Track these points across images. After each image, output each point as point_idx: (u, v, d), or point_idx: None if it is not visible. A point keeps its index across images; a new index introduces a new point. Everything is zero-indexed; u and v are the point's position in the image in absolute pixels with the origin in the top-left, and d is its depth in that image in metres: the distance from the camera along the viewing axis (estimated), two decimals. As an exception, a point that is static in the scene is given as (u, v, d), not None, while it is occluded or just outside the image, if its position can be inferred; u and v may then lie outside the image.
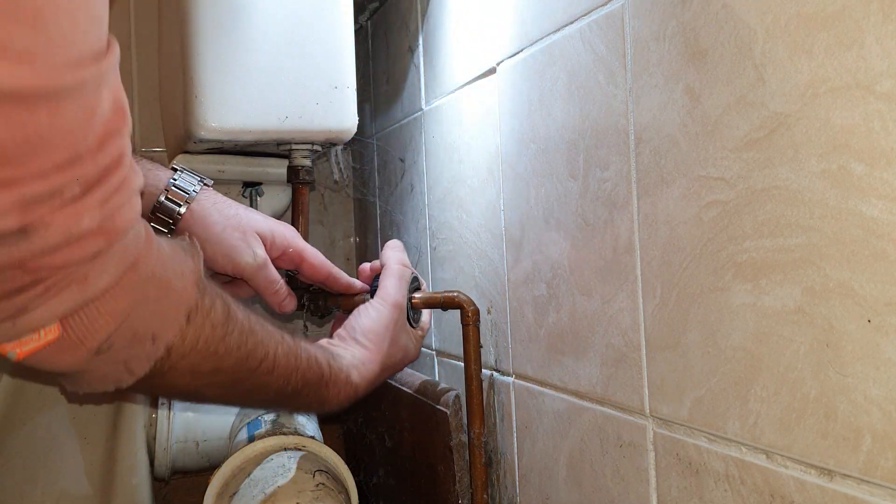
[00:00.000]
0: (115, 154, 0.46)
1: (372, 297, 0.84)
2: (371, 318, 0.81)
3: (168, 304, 0.53)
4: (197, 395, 0.69)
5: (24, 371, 0.49)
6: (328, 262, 0.87)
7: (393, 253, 0.86)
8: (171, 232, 0.80)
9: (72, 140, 0.42)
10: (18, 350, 0.47)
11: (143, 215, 0.50)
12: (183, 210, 0.80)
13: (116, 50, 0.46)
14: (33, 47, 0.39)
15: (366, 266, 0.90)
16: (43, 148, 0.41)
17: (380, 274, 0.85)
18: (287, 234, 0.85)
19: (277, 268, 0.85)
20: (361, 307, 0.83)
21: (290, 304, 0.87)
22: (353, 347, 0.79)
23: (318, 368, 0.71)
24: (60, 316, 0.46)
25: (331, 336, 0.87)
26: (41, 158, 0.41)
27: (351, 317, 0.82)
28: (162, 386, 0.58)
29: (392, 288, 0.82)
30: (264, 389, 0.67)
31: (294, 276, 0.89)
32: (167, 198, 0.79)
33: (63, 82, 0.40)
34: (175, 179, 0.81)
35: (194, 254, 0.57)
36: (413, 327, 0.86)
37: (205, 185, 0.83)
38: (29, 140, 0.40)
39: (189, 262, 0.56)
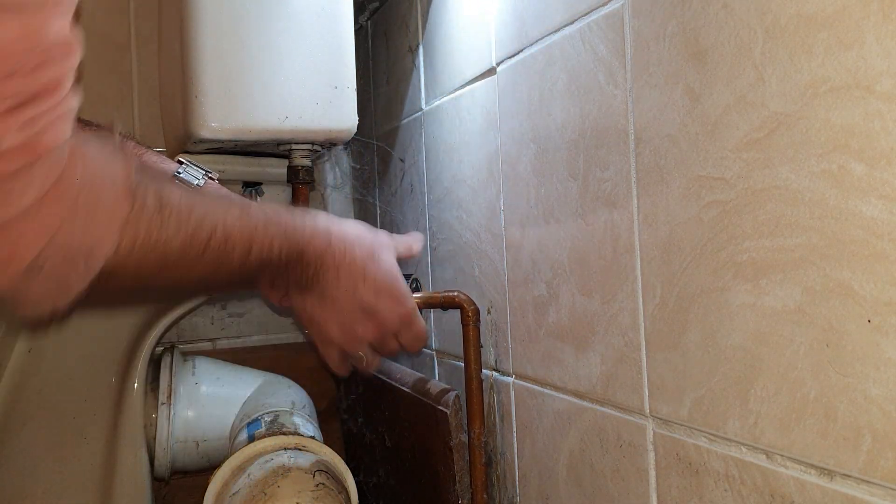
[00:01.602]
0: (51, 79, 0.45)
1: None
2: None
3: (99, 214, 0.51)
4: (150, 288, 0.66)
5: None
6: None
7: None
8: None
9: (6, 57, 0.42)
10: None
11: (78, 60, 0.50)
12: None
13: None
14: None
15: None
16: None
17: None
18: (292, 208, 0.84)
19: None
20: None
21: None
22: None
23: (280, 221, 0.67)
24: None
25: None
26: None
27: None
28: (108, 294, 0.56)
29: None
30: (225, 261, 0.63)
31: None
32: None
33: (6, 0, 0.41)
34: (179, 172, 0.81)
35: (125, 155, 0.55)
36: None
37: (210, 178, 0.83)
38: None
39: (119, 166, 0.53)
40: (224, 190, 0.82)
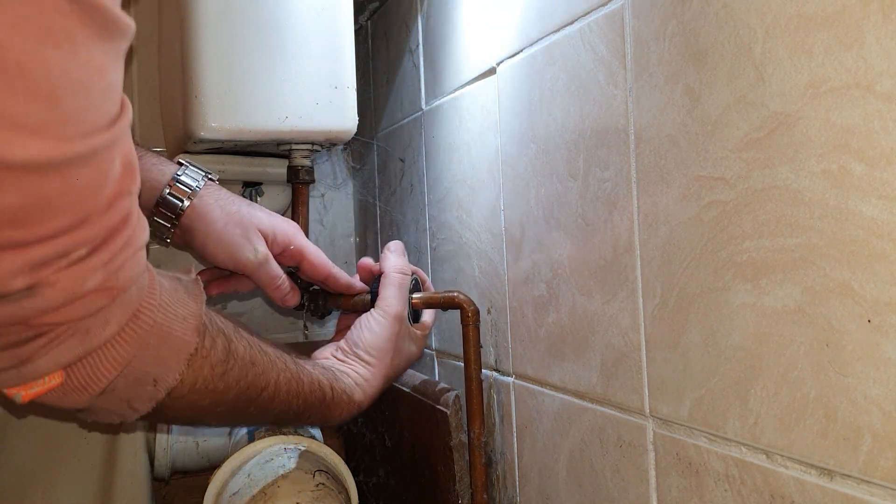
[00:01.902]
0: (122, 214, 0.47)
1: (372, 301, 0.84)
2: (374, 332, 0.80)
3: (168, 350, 0.54)
4: (199, 423, 0.75)
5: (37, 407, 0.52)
6: (329, 261, 0.87)
7: (392, 259, 0.85)
8: (173, 226, 0.80)
9: (82, 204, 0.43)
10: (24, 393, 0.48)
11: (146, 209, 0.51)
12: (186, 205, 0.80)
13: (129, 111, 0.46)
14: (47, 122, 0.39)
15: (365, 262, 0.89)
16: (53, 212, 0.42)
17: (380, 276, 0.85)
18: (289, 230, 0.85)
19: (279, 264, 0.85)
20: (363, 320, 0.82)
21: (293, 298, 0.87)
22: (356, 364, 0.80)
23: (320, 392, 0.72)
24: (63, 365, 0.48)
25: (336, 335, 0.88)
26: (51, 222, 0.42)
27: (353, 329, 0.82)
28: (164, 419, 0.61)
29: (392, 298, 0.82)
30: (266, 415, 0.69)
31: (294, 273, 0.89)
32: (170, 193, 0.80)
33: (75, 152, 0.41)
34: (179, 174, 0.81)
35: (196, 294, 0.58)
36: (412, 325, 0.86)
37: (210, 179, 0.83)
38: (39, 205, 0.41)
39: (191, 305, 0.57)
40: (230, 200, 0.84)
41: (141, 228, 0.50)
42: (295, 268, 0.88)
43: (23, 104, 0.38)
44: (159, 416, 0.59)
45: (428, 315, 0.90)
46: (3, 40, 0.37)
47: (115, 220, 0.46)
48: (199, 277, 0.60)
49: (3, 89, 0.37)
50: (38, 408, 0.51)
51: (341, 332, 0.91)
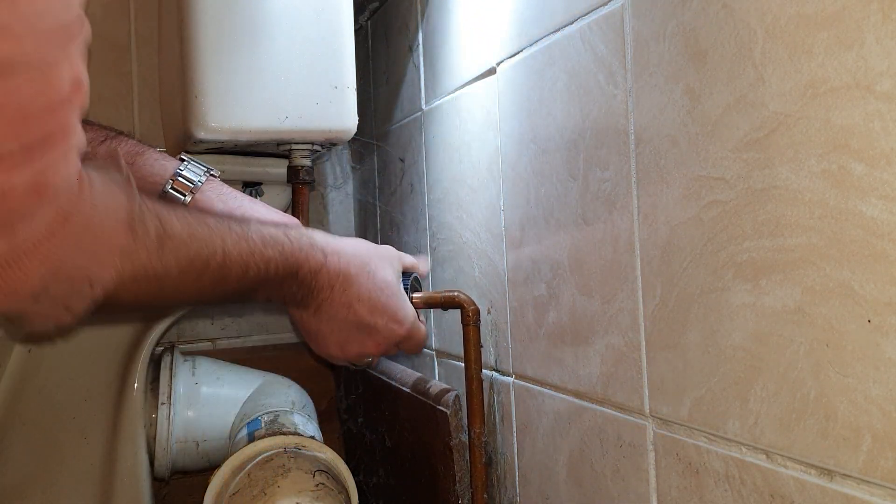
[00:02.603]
0: (62, 123, 0.47)
1: None
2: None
3: (101, 247, 0.53)
4: (148, 307, 0.72)
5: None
6: None
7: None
8: None
9: (22, 106, 0.44)
10: None
11: (86, 105, 0.51)
12: (188, 200, 0.80)
13: (86, 31, 0.47)
14: (8, 22, 0.40)
15: None
16: None
17: None
18: (290, 225, 0.85)
19: None
20: None
21: None
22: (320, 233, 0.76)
23: (276, 245, 0.69)
24: None
25: None
26: None
27: None
28: (108, 314, 0.59)
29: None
30: (226, 284, 0.66)
31: None
32: (172, 187, 0.80)
33: (25, 55, 0.42)
34: (181, 170, 0.81)
35: (128, 187, 0.57)
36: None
37: (211, 175, 0.83)
38: None
39: (121, 198, 0.55)
40: (232, 195, 0.83)
41: (79, 137, 0.49)
42: None
43: None
44: (101, 314, 0.58)
45: (423, 264, 0.87)
46: None
47: (52, 127, 0.46)
48: (130, 175, 0.58)
49: None
50: None
51: None
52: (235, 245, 0.65)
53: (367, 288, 0.75)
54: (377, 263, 0.77)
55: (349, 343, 0.76)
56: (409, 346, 0.80)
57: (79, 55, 0.47)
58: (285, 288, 0.71)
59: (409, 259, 0.84)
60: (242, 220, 0.68)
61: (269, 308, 1.31)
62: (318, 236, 0.73)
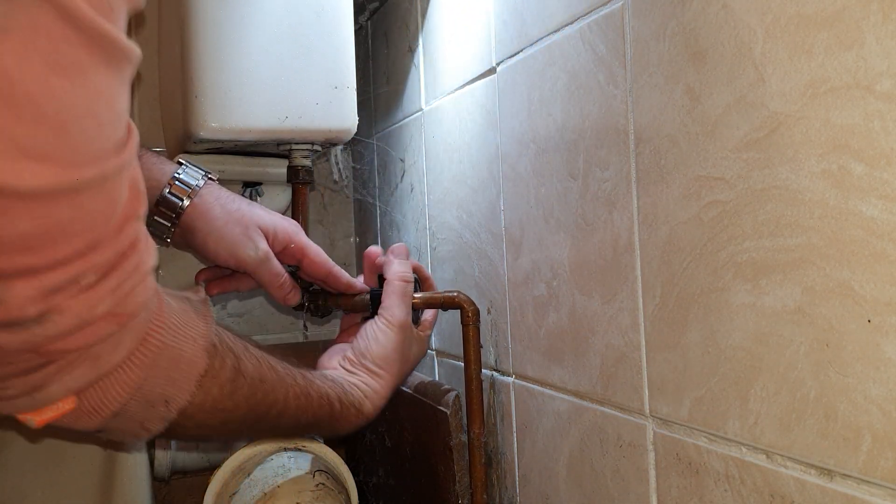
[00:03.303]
0: (131, 238, 0.47)
1: (374, 305, 0.84)
2: (380, 343, 0.80)
3: (179, 371, 0.55)
4: (209, 439, 0.78)
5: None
6: (329, 260, 0.87)
7: (395, 265, 0.85)
8: (173, 225, 0.80)
9: (92, 230, 0.44)
10: (37, 419, 0.49)
11: (146, 209, 0.51)
12: (186, 204, 0.80)
13: (136, 136, 0.47)
14: (57, 149, 0.40)
15: (372, 251, 0.88)
16: (63, 238, 0.42)
17: (383, 281, 0.85)
18: (289, 228, 0.85)
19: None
20: (369, 329, 0.81)
21: (294, 296, 0.87)
22: (365, 376, 0.80)
23: (329, 406, 0.73)
24: (75, 391, 0.48)
25: (339, 335, 0.88)
26: (61, 248, 0.42)
27: (359, 339, 0.82)
28: (175, 437, 0.64)
29: (396, 308, 0.81)
30: (275, 430, 0.71)
31: (295, 272, 0.89)
32: (170, 192, 0.80)
33: (84, 178, 0.41)
34: (179, 173, 0.81)
35: (205, 314, 0.58)
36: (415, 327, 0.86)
37: (209, 178, 0.83)
38: (51, 232, 0.41)
39: (200, 326, 0.57)
40: (230, 198, 0.84)
41: (149, 252, 0.50)
42: (295, 267, 0.88)
43: (32, 133, 0.38)
44: (170, 435, 0.60)
45: (429, 313, 0.90)
46: (13, 71, 0.37)
47: (123, 245, 0.46)
48: (207, 297, 0.61)
49: (13, 119, 0.38)
50: (51, 430, 0.52)
51: (345, 332, 0.91)
52: (296, 399, 0.69)
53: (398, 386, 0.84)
54: (406, 360, 0.84)
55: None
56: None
57: (134, 162, 0.47)
58: (324, 435, 0.81)
59: (419, 266, 0.89)
60: (306, 374, 0.72)
61: (269, 308, 1.31)
62: (370, 392, 0.79)
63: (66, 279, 0.43)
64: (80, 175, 0.41)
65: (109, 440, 0.58)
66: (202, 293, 0.61)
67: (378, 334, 0.81)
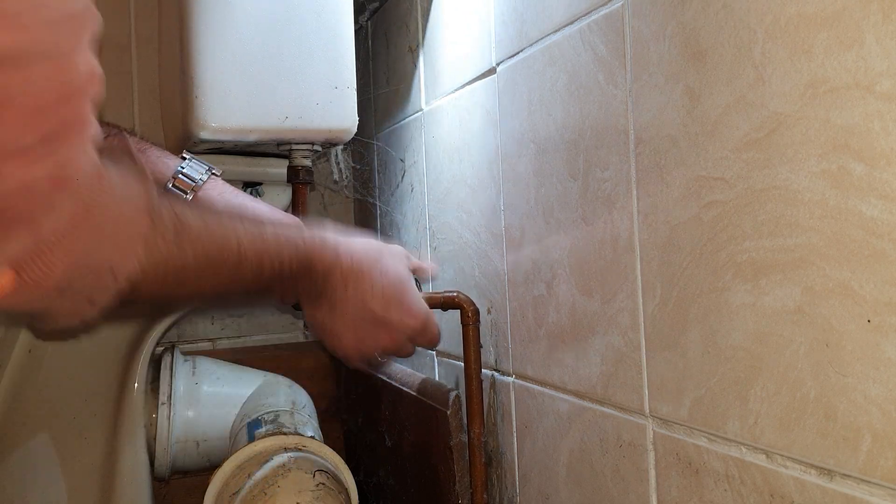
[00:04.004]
0: (78, 113, 0.47)
1: None
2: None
3: (122, 237, 0.54)
4: (168, 300, 0.72)
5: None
6: None
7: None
8: None
9: (38, 98, 0.44)
10: None
11: (102, 95, 0.51)
12: (189, 198, 0.80)
13: (97, 19, 0.47)
14: (19, 11, 0.40)
15: None
16: (11, 104, 0.42)
17: None
18: (291, 224, 0.85)
19: None
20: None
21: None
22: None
23: (291, 242, 0.69)
24: (11, 259, 0.47)
25: None
26: (8, 113, 0.42)
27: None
28: (128, 308, 0.59)
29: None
30: (238, 276, 0.66)
31: None
32: (174, 185, 0.80)
33: (38, 45, 0.42)
34: (183, 168, 0.81)
35: (143, 177, 0.57)
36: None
37: (213, 174, 0.83)
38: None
39: (139, 188, 0.55)
40: (233, 193, 0.83)
41: (95, 126, 0.49)
42: None
43: None
44: (125, 306, 0.58)
45: (432, 267, 0.88)
46: None
47: (69, 117, 0.46)
48: (144, 166, 0.59)
49: None
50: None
51: None
52: (251, 242, 0.65)
53: (380, 283, 0.75)
54: (389, 260, 0.77)
55: (364, 339, 0.76)
56: (424, 341, 0.79)
57: (92, 46, 0.47)
58: (300, 286, 0.71)
59: (416, 260, 0.84)
60: (255, 220, 0.69)
61: (269, 308, 1.31)
62: (330, 235, 0.74)
63: (9, 144, 0.43)
64: (32, 40, 0.42)
65: (54, 331, 0.56)
66: (137, 158, 0.60)
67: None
